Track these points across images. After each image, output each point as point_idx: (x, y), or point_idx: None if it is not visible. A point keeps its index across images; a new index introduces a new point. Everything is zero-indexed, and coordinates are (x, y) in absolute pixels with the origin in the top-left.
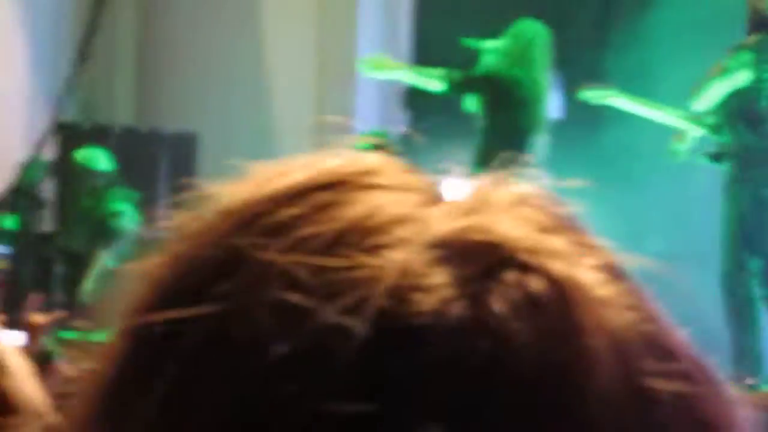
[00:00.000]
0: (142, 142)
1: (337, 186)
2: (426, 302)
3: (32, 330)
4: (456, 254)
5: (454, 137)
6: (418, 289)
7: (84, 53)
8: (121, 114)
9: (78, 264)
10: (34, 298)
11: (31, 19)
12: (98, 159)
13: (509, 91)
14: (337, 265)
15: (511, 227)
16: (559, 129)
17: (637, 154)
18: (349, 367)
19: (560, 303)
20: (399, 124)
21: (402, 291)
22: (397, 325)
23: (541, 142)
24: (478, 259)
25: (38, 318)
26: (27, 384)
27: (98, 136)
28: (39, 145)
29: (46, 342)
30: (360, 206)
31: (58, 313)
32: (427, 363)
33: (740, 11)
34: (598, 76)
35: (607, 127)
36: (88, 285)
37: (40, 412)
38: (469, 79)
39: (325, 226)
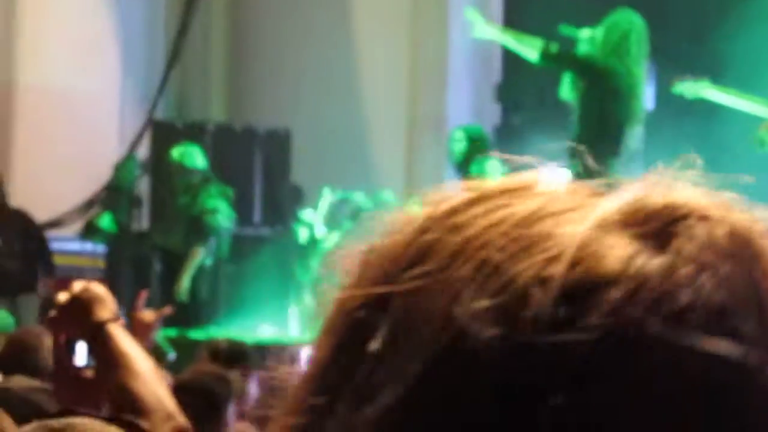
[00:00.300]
0: (236, 140)
1: (508, 192)
2: (613, 255)
3: (140, 328)
4: (633, 220)
5: (548, 130)
6: (604, 246)
7: (176, 53)
8: (214, 112)
9: (174, 261)
10: (141, 295)
11: (124, 21)
12: (193, 156)
13: (604, 80)
14: (528, 233)
15: (684, 195)
16: (650, 119)
17: (726, 145)
18: (544, 312)
19: (746, 248)
20: (492, 118)
21: (590, 248)
22: (589, 277)
23: (636, 134)
24: (658, 218)
25: (147, 315)
26: (156, 386)
27: (192, 133)
28: (133, 144)
29: (157, 340)
30: (533, 202)
31: (166, 310)
32: (619, 305)
33: None
34: (691, 68)
35: (698, 118)
36: (185, 282)
37: (170, 414)
38: (566, 55)
39: (504, 218)
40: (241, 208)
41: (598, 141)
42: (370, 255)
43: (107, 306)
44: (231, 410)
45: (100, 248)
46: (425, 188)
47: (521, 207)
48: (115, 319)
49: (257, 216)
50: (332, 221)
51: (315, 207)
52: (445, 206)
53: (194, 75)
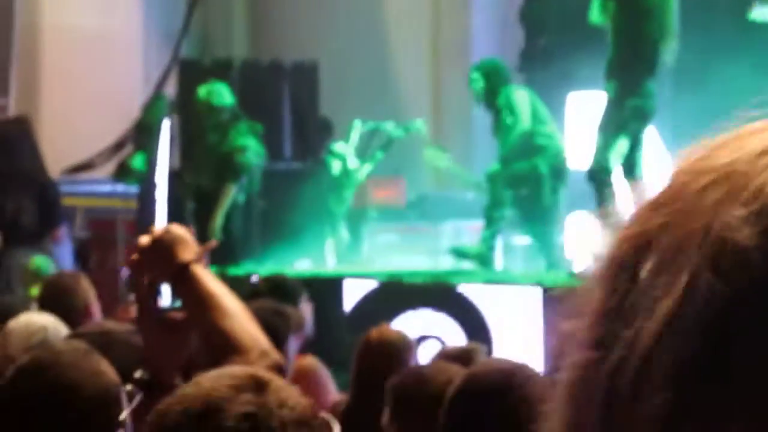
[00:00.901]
0: (262, 75)
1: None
2: None
3: None
4: None
5: (573, 52)
6: None
7: None
8: (237, 48)
9: (207, 200)
10: (209, 246)
11: None
12: (221, 94)
13: (635, 2)
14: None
15: None
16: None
17: None
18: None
19: None
20: (516, 42)
21: None
22: None
23: (670, 49)
24: None
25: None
26: (248, 324)
27: (219, 71)
28: (160, 83)
29: None
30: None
31: (211, 244)
32: None
33: None
34: None
35: None
36: (218, 221)
37: (265, 351)
38: None
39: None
40: (271, 144)
41: (634, 62)
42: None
43: (190, 247)
44: (292, 344)
45: (132, 189)
46: (453, 115)
47: (757, 141)
48: (199, 260)
49: (288, 150)
50: (364, 152)
51: (346, 139)
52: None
53: (217, 11)
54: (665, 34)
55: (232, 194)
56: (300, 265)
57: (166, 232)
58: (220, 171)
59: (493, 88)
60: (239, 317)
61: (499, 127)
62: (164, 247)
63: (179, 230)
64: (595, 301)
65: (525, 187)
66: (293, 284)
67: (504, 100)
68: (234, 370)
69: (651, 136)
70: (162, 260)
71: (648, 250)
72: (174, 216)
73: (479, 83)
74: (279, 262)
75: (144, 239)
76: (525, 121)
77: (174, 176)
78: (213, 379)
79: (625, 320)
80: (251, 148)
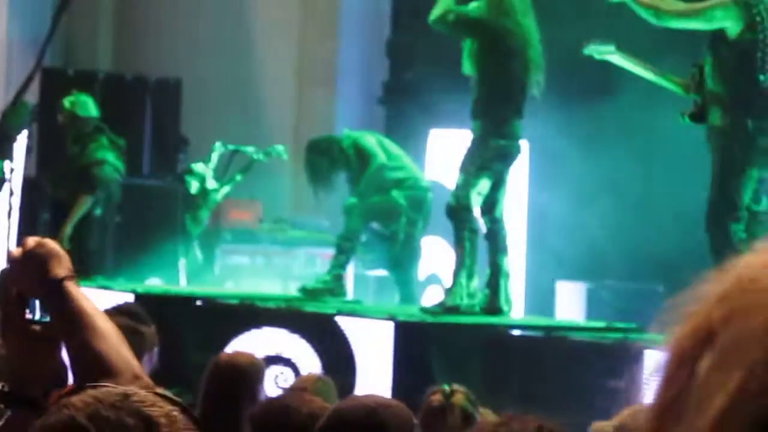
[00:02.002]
0: (126, 89)
1: None
2: None
3: None
4: None
5: (438, 87)
6: None
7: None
8: (103, 60)
9: (63, 210)
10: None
11: None
12: (87, 106)
13: (499, 41)
14: None
15: None
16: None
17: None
18: None
19: None
20: (381, 74)
21: None
22: None
23: (538, 82)
24: None
25: None
26: (120, 346)
27: (82, 82)
28: (21, 90)
29: None
30: None
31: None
32: None
33: None
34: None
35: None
36: (68, 231)
37: (136, 374)
38: (461, 20)
39: None
40: (131, 159)
41: (498, 102)
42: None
43: (64, 263)
44: (146, 364)
45: None
46: None
47: None
48: (72, 277)
49: (147, 166)
50: (223, 173)
51: (206, 159)
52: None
53: (83, 22)
54: (531, 68)
55: (86, 207)
56: (152, 282)
57: (40, 245)
58: (77, 182)
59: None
60: (112, 338)
61: (355, 175)
62: (37, 260)
63: (53, 244)
64: (656, 395)
65: (381, 220)
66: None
67: (352, 150)
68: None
69: (515, 176)
70: (34, 274)
71: (708, 345)
72: (28, 225)
73: (320, 160)
74: (131, 278)
75: (16, 250)
76: (378, 157)
77: (31, 185)
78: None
79: (679, 417)
80: (110, 162)
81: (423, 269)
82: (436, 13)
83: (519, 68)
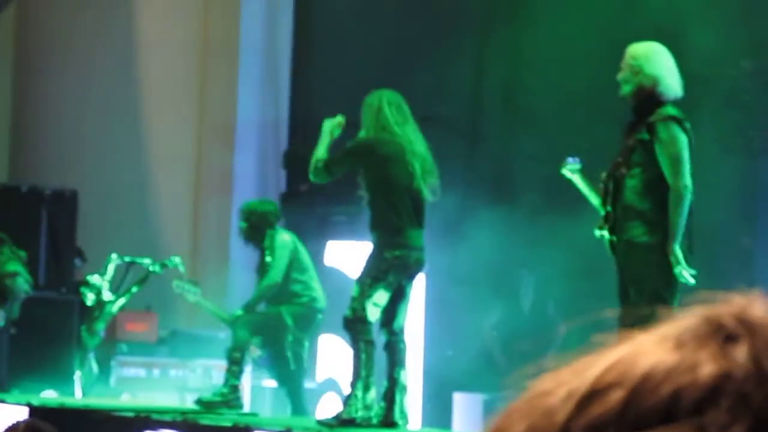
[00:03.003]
0: (21, 200)
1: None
2: None
3: None
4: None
5: (333, 198)
6: None
7: None
8: None
9: None
10: None
11: None
12: None
13: (374, 152)
14: None
15: None
16: None
17: None
18: None
19: None
20: (278, 185)
21: None
22: None
23: (432, 187)
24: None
25: None
26: None
27: None
28: None
29: None
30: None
31: None
32: None
33: None
34: None
35: None
36: None
37: None
38: (332, 160)
39: None
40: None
41: (389, 211)
42: None
43: None
44: None
45: None
46: (211, 251)
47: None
48: None
49: (42, 278)
50: (119, 285)
51: (102, 271)
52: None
53: None
54: (415, 177)
55: None
56: (47, 394)
57: None
58: None
59: (257, 229)
60: None
61: (261, 267)
62: None
63: None
64: None
65: (266, 333)
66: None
67: (268, 241)
68: None
69: (419, 288)
70: None
71: None
72: None
73: (244, 223)
74: (26, 391)
75: None
76: (281, 267)
77: None
78: None
79: None
80: (21, 275)
81: (320, 370)
82: (310, 168)
83: (402, 176)
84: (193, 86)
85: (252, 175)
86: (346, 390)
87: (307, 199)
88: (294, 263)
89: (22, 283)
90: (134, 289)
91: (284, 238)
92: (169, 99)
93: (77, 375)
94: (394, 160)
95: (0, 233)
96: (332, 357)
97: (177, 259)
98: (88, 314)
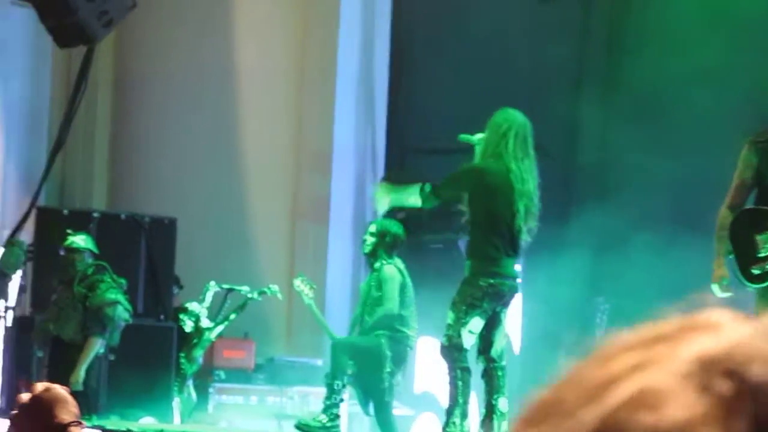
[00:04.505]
0: (120, 228)
1: None
2: None
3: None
4: None
5: (430, 225)
6: None
7: (61, 138)
8: (97, 199)
9: (66, 350)
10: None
11: (6, 104)
12: (88, 245)
13: (482, 180)
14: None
15: None
16: None
17: None
18: None
19: None
20: (372, 212)
21: None
22: None
23: (531, 230)
24: None
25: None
26: None
27: (77, 221)
28: (16, 229)
29: None
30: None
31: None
32: None
33: None
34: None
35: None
36: (81, 372)
37: None
38: (442, 184)
39: None
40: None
41: (486, 242)
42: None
43: (69, 407)
44: None
45: None
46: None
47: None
48: (78, 423)
49: (141, 306)
50: (217, 312)
51: (201, 298)
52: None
53: (77, 161)
54: (517, 213)
55: (97, 347)
56: (145, 421)
57: (46, 390)
58: (86, 323)
59: (386, 247)
60: None
61: (368, 296)
62: (43, 405)
63: (60, 390)
64: None
65: (365, 362)
66: None
67: (378, 265)
68: None
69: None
70: (40, 419)
71: None
72: (21, 364)
73: (376, 239)
74: (125, 417)
75: (24, 396)
76: (395, 298)
77: (24, 323)
78: None
79: None
80: (121, 303)
81: (418, 383)
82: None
83: (505, 212)
84: (291, 113)
85: (348, 202)
86: (444, 418)
87: (404, 227)
88: (401, 296)
89: (122, 312)
90: (232, 317)
91: (393, 270)
92: (267, 126)
93: (175, 401)
94: (500, 194)
95: (100, 261)
96: (429, 361)
97: (275, 288)
98: (186, 341)
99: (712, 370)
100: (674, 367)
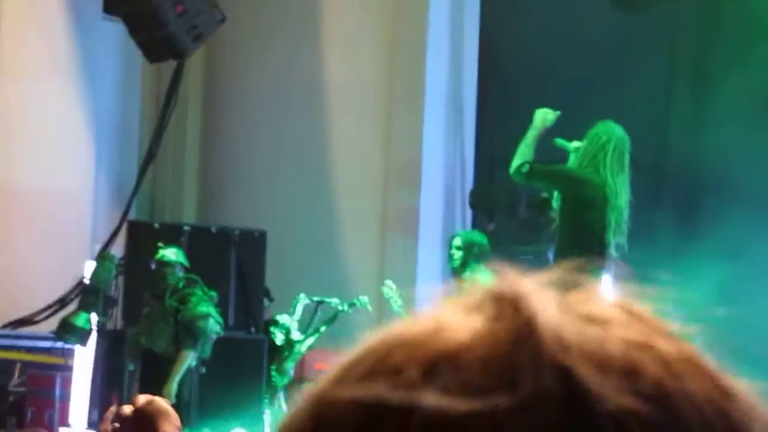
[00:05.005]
0: (211, 241)
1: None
2: None
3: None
4: None
5: (519, 238)
6: None
7: (152, 152)
8: (186, 212)
9: (156, 363)
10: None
11: (97, 118)
12: (180, 258)
13: (578, 190)
14: None
15: None
16: None
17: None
18: None
19: None
20: (463, 224)
21: None
22: None
23: (619, 245)
24: None
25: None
26: None
27: (168, 234)
28: (108, 243)
29: None
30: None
31: None
32: None
33: None
34: None
35: None
36: (173, 385)
37: None
38: (538, 172)
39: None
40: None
41: (576, 251)
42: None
43: (172, 420)
44: None
45: (71, 346)
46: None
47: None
48: None
49: (232, 319)
50: (308, 325)
51: (291, 311)
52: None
53: (167, 175)
54: (609, 227)
55: (189, 361)
56: None
57: (149, 402)
58: (178, 336)
59: (475, 258)
60: None
61: None
62: (146, 418)
63: (162, 402)
64: None
65: None
66: None
67: (468, 274)
68: None
69: None
70: (144, 431)
71: None
72: (114, 377)
73: (464, 252)
74: (216, 429)
75: (126, 408)
76: None
77: (116, 337)
78: None
79: None
80: (213, 316)
81: None
82: (513, 164)
83: (596, 223)
84: (380, 125)
85: (438, 214)
86: None
87: (494, 238)
88: None
89: (213, 324)
90: (323, 329)
91: (484, 273)
92: (356, 138)
93: (267, 414)
94: (593, 206)
95: (191, 274)
96: None
97: (365, 299)
98: (277, 354)
99: (501, 301)
100: (466, 300)
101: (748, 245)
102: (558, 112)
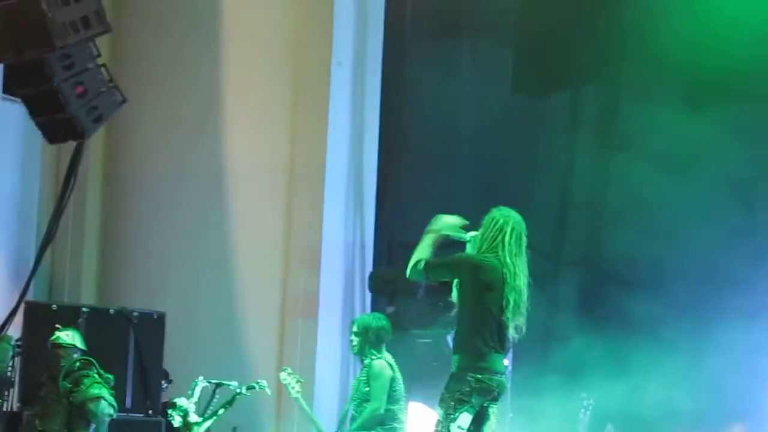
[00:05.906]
0: (110, 323)
1: None
2: None
3: None
4: None
5: (417, 321)
6: None
7: (50, 234)
8: (87, 294)
9: None
10: None
11: None
12: (75, 340)
13: (476, 274)
14: None
15: None
16: None
17: None
18: None
19: None
20: (362, 306)
21: None
22: None
23: (519, 327)
24: None
25: None
26: None
27: (66, 316)
28: (5, 324)
29: None
30: None
31: None
32: None
33: None
34: None
35: None
36: None
37: None
38: (433, 264)
39: None
40: (115, 393)
41: (475, 336)
42: None
43: None
44: None
45: None
46: (297, 373)
47: None
48: None
49: (130, 401)
50: (206, 408)
51: (190, 393)
52: None
53: (66, 256)
54: (507, 309)
55: None
56: None
57: None
58: (71, 418)
59: (371, 344)
60: None
61: (357, 391)
62: None
63: None
64: None
65: None
66: None
67: (367, 361)
68: None
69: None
70: None
71: None
72: None
73: (359, 337)
74: None
75: None
76: (383, 398)
77: (13, 419)
78: None
79: None
80: (106, 399)
81: None
82: (410, 264)
83: (495, 306)
84: (281, 210)
85: (337, 298)
86: None
87: (393, 322)
88: (389, 392)
89: (106, 407)
90: (221, 412)
91: (382, 365)
92: (257, 222)
93: None
94: (492, 288)
95: (87, 356)
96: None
97: (264, 383)
98: None
99: None
100: None
101: (647, 327)
102: (464, 221)
